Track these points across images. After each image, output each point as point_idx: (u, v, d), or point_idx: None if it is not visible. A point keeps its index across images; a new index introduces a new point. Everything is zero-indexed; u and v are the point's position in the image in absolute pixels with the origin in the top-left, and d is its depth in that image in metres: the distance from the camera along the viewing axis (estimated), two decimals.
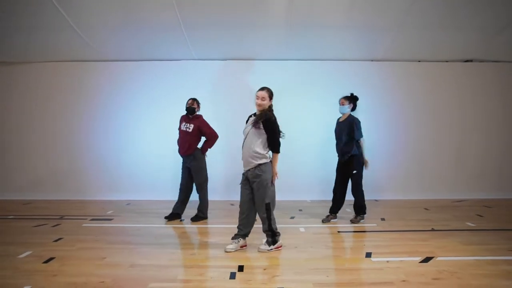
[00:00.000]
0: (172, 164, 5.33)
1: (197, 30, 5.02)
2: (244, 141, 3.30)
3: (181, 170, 4.54)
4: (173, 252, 3.31)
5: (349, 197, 4.40)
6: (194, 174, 4.44)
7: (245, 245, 3.35)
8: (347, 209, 4.74)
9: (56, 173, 5.97)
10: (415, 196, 5.85)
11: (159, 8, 4.55)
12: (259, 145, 3.21)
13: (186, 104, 4.46)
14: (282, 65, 5.88)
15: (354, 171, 4.25)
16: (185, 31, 5.00)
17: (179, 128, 4.49)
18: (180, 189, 4.51)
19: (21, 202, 5.62)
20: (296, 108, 5.87)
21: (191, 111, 4.43)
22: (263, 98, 3.23)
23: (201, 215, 4.50)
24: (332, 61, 5.86)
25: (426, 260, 3.02)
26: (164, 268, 2.90)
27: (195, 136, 4.43)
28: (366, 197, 4.37)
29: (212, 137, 4.47)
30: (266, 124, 3.22)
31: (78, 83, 5.97)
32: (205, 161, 4.52)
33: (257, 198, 3.25)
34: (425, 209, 5.11)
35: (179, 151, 4.49)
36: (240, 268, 2.85)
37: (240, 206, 3.35)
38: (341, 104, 4.35)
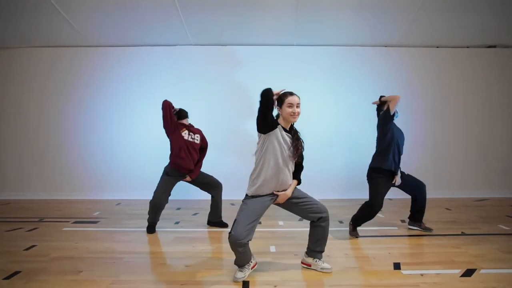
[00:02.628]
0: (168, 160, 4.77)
1: (194, 12, 4.50)
2: (277, 165, 2.47)
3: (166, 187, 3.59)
4: (164, 264, 2.79)
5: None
6: (205, 179, 3.72)
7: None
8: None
9: (41, 169, 5.44)
10: (432, 194, 5.23)
11: None
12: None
13: (174, 110, 3.67)
14: (288, 51, 5.38)
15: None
16: (181, 12, 4.47)
17: (178, 137, 3.55)
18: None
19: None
20: (304, 99, 5.36)
21: (185, 116, 3.68)
22: (298, 105, 2.53)
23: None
24: (343, 46, 5.37)
25: (468, 273, 2.51)
26: (152, 284, 2.39)
27: (199, 149, 3.70)
28: None
29: (206, 150, 3.81)
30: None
31: (62, 72, 5.44)
32: None
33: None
34: (447, 209, 4.62)
35: (185, 167, 3.55)
36: (245, 285, 2.35)
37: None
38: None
